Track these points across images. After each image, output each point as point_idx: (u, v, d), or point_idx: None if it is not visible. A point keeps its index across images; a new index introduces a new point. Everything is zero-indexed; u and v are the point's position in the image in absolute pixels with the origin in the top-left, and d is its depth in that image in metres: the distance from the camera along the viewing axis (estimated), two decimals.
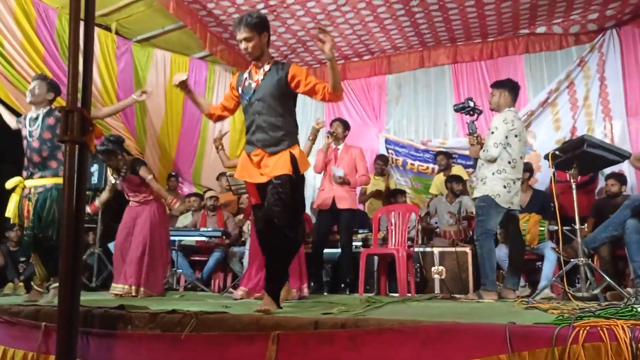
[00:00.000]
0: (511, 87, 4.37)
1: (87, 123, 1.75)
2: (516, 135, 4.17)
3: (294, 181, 2.99)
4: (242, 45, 3.02)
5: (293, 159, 3.00)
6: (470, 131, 4.40)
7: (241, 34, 2.98)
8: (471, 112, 4.48)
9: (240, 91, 3.14)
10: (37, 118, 3.97)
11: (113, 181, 4.88)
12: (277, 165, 3.00)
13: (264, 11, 6.49)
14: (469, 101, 4.49)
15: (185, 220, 6.84)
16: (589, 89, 6.75)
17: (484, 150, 4.21)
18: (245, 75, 3.16)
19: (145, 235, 4.74)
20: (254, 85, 3.07)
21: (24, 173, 3.95)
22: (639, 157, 3.96)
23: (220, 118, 3.40)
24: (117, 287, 4.64)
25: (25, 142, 3.96)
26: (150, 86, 7.29)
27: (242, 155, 3.21)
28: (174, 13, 6.22)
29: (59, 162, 3.90)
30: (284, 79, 3.02)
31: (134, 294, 4.60)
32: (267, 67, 3.06)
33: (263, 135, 3.04)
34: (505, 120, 4.16)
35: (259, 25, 2.99)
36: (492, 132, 4.18)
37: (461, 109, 4.54)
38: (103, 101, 6.67)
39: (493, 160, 4.15)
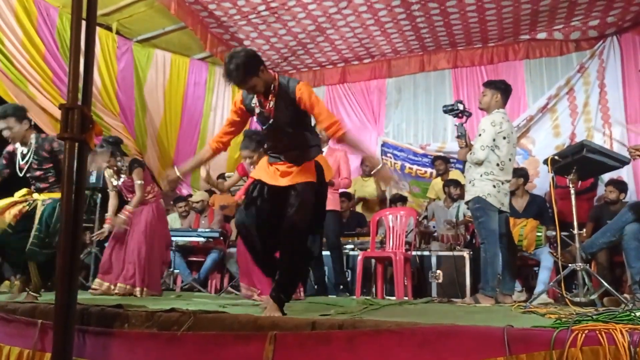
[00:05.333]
0: (504, 89, 4.34)
1: (87, 121, 1.75)
2: (504, 138, 4.16)
3: (317, 188, 2.92)
4: (249, 93, 2.88)
5: (318, 166, 2.95)
6: (459, 134, 4.39)
7: (243, 87, 2.79)
8: (460, 115, 4.46)
9: (255, 118, 3.00)
10: (28, 152, 3.91)
11: (115, 183, 4.85)
12: (302, 171, 2.92)
13: (264, 13, 6.50)
14: (458, 104, 4.48)
15: (175, 222, 6.77)
16: (589, 96, 6.77)
17: (471, 153, 4.21)
18: (254, 101, 2.94)
19: (144, 236, 4.73)
20: (266, 114, 2.90)
21: (32, 187, 3.98)
22: (636, 147, 3.93)
23: (226, 145, 3.13)
24: (114, 286, 4.63)
25: (22, 173, 3.95)
26: (150, 86, 7.32)
27: (264, 159, 3.13)
28: (175, 14, 6.23)
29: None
30: (294, 101, 2.84)
31: (138, 295, 4.60)
32: (274, 91, 2.85)
33: (287, 154, 2.98)
34: (493, 123, 4.15)
35: (254, 67, 2.73)
36: (480, 135, 4.18)
37: (450, 111, 4.51)
38: (102, 100, 6.67)
39: (480, 163, 4.14)
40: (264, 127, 2.96)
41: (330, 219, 5.39)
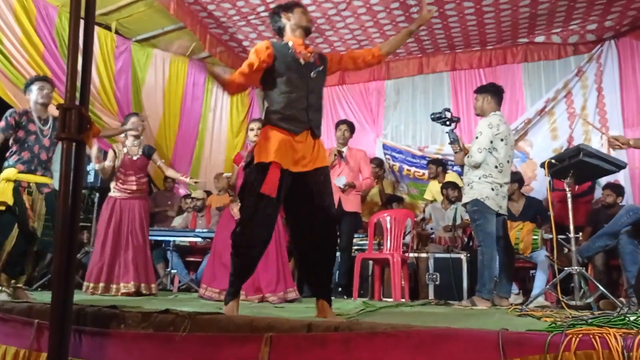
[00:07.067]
0: (494, 91, 4.37)
1: (85, 121, 1.75)
2: (502, 139, 4.17)
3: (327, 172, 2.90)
4: (307, 19, 2.97)
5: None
6: (452, 140, 4.42)
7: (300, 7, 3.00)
8: (447, 123, 4.48)
9: (301, 61, 2.85)
10: (47, 119, 4.05)
11: (131, 157, 4.90)
12: (321, 154, 2.83)
13: (264, 14, 6.51)
14: (446, 112, 4.50)
15: (179, 220, 6.85)
16: (587, 99, 6.77)
17: (468, 156, 4.22)
18: (290, 49, 2.87)
19: (142, 231, 4.79)
20: (312, 60, 2.89)
21: (21, 166, 3.87)
22: (616, 137, 3.91)
23: (241, 88, 3.02)
24: (119, 287, 4.64)
25: (33, 137, 3.93)
26: (149, 86, 7.32)
27: (278, 135, 2.76)
28: (174, 14, 6.22)
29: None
30: (326, 66, 2.96)
31: (144, 292, 4.65)
32: (311, 48, 2.97)
33: (314, 115, 2.85)
34: (490, 125, 4.17)
35: None
36: (477, 137, 4.19)
37: (437, 119, 4.54)
38: (101, 100, 6.67)
39: (478, 166, 4.16)
40: (312, 73, 2.85)
41: (350, 221, 5.40)
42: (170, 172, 5.13)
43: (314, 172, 2.77)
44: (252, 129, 4.66)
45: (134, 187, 4.87)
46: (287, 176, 2.73)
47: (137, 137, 4.95)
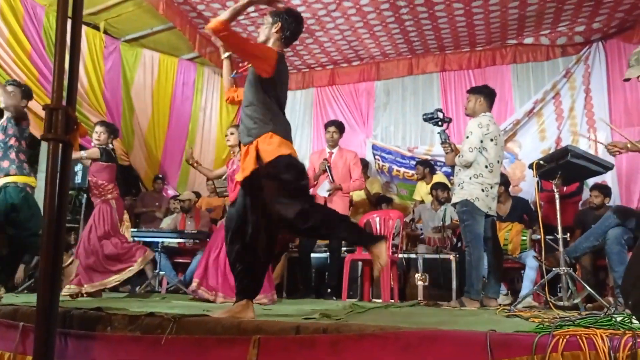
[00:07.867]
0: (487, 93, 4.40)
1: (72, 121, 1.73)
2: (492, 139, 4.20)
3: (266, 173, 2.67)
4: None
5: (256, 152, 2.71)
6: (442, 140, 4.44)
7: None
8: (439, 123, 4.50)
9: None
10: None
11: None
12: (245, 164, 2.74)
13: (254, 14, 6.50)
14: (438, 112, 4.51)
15: (168, 221, 6.82)
16: (575, 101, 6.83)
17: (459, 156, 4.24)
18: None
19: (93, 234, 4.70)
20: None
21: None
22: (614, 144, 3.93)
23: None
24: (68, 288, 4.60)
25: None
26: (138, 86, 7.28)
27: None
28: (163, 13, 6.19)
29: (11, 161, 3.91)
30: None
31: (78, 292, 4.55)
32: None
33: (241, 126, 2.85)
34: (480, 125, 4.20)
35: (274, 14, 2.94)
36: (467, 137, 4.21)
37: (430, 119, 4.55)
38: (89, 100, 6.62)
39: (469, 165, 4.18)
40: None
41: None
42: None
43: (246, 182, 2.75)
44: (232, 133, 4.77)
45: (95, 192, 4.83)
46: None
47: (100, 144, 4.88)
